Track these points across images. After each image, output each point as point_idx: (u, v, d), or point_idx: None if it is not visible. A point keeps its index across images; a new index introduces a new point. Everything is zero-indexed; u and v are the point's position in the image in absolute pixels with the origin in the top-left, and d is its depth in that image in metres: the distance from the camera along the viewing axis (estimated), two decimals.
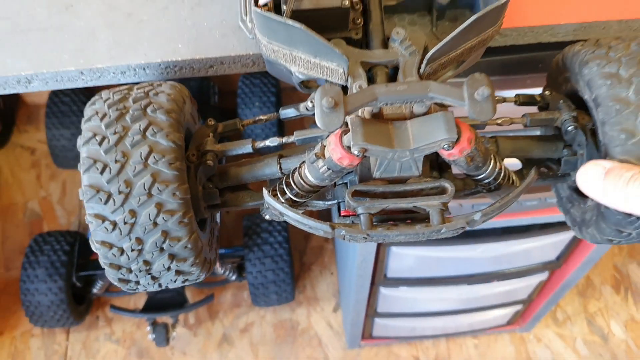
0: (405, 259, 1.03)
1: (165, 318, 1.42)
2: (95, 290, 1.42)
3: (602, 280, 1.57)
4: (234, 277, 1.45)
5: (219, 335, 1.50)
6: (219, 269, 1.37)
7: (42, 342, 1.50)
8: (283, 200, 0.47)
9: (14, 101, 1.80)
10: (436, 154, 0.48)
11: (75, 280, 1.34)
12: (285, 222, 1.41)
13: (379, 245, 0.97)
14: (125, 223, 0.44)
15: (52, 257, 1.35)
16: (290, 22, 0.43)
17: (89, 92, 1.64)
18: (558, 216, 0.94)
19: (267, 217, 0.51)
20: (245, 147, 0.50)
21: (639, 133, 0.42)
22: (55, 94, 1.61)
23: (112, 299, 1.50)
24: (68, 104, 1.58)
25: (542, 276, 1.18)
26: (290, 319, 1.52)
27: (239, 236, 1.51)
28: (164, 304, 1.40)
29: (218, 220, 0.59)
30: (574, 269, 1.14)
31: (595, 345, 1.49)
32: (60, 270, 1.34)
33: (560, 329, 1.51)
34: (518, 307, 1.34)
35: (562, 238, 1.03)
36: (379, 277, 1.10)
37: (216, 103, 1.58)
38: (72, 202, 1.68)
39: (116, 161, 0.43)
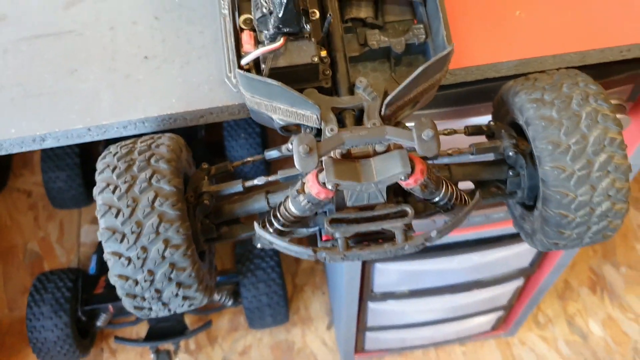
0: (389, 274, 1.11)
1: (167, 345, 1.48)
2: (99, 324, 1.48)
3: (579, 282, 1.66)
4: (230, 303, 1.51)
5: (219, 359, 1.56)
6: (215, 295, 1.44)
7: None
8: (272, 231, 0.55)
9: None
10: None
11: (81, 314, 1.41)
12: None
13: (364, 263, 1.05)
14: (138, 258, 0.51)
15: (57, 294, 1.41)
16: (269, 80, 0.52)
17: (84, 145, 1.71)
18: None
19: (258, 245, 0.59)
20: (236, 187, 0.58)
21: (563, 143, 0.51)
22: None
23: (115, 330, 1.57)
24: (62, 147, 1.65)
25: (519, 282, 1.26)
26: (286, 340, 1.59)
27: (232, 263, 1.58)
28: (165, 332, 1.47)
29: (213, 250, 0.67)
30: (547, 274, 1.23)
31: (576, 345, 1.57)
32: (65, 306, 1.40)
33: (543, 331, 1.59)
34: (500, 313, 1.42)
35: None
36: (366, 292, 1.17)
37: (203, 136, 1.66)
38: (71, 240, 1.74)
39: (127, 206, 0.51)
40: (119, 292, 0.54)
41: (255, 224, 0.53)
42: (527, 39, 0.65)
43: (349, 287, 1.10)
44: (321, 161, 0.50)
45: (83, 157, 1.69)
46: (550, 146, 0.52)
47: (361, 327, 1.33)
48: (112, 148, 0.56)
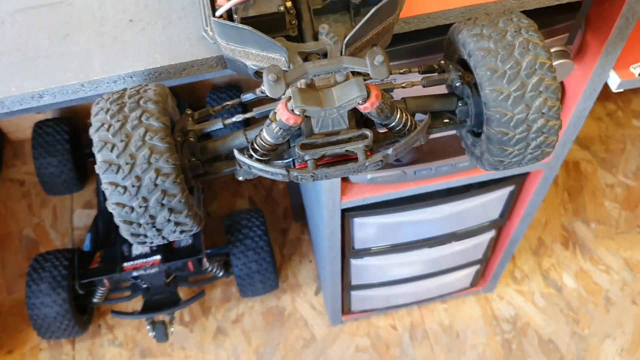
0: (368, 228, 1.19)
1: (162, 317, 1.55)
2: (95, 299, 1.55)
3: (553, 239, 1.75)
4: (221, 274, 1.59)
5: (213, 328, 1.64)
6: (206, 264, 1.51)
7: (50, 355, 1.62)
8: None
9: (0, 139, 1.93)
10: (360, 115, 0.64)
11: (78, 288, 1.47)
12: (262, 218, 1.56)
13: (343, 218, 1.13)
14: (133, 186, 0.58)
15: (54, 272, 1.48)
16: (240, 25, 0.59)
17: (70, 124, 1.78)
18: (490, 175, 1.11)
19: (240, 178, 0.66)
20: (217, 125, 0.65)
21: (499, 69, 0.59)
22: (39, 126, 1.74)
23: (111, 306, 1.63)
24: (52, 134, 1.72)
25: (491, 234, 1.35)
26: (277, 306, 1.66)
27: (222, 237, 1.65)
28: (160, 304, 1.54)
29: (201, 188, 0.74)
30: (516, 225, 1.31)
31: (551, 297, 1.66)
32: (62, 283, 1.47)
33: (519, 286, 1.68)
34: (477, 267, 1.50)
35: (499, 195, 1.20)
36: (348, 249, 1.25)
37: None
38: (64, 225, 1.81)
39: (121, 141, 0.58)
40: (117, 220, 0.60)
41: (235, 151, 0.61)
42: None
43: (330, 241, 1.17)
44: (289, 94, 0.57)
45: (73, 143, 1.75)
46: (488, 72, 0.60)
47: (346, 285, 1.41)
48: (105, 95, 0.63)
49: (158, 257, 1.47)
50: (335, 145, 0.59)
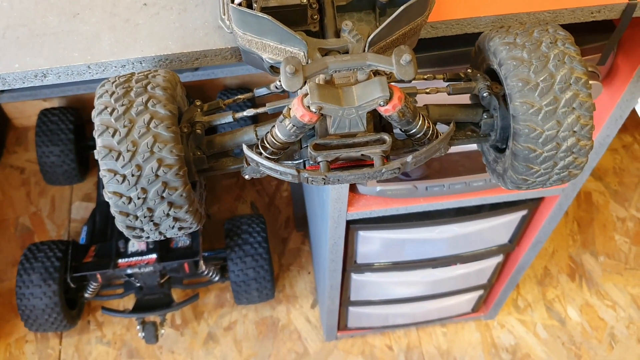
0: (372, 242, 1.15)
1: (153, 318, 1.51)
2: (87, 294, 1.51)
3: (559, 269, 1.70)
4: (217, 278, 1.55)
5: (204, 333, 1.59)
6: (203, 267, 1.47)
7: (36, 348, 1.58)
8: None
9: (3, 124, 1.90)
10: (380, 119, 0.61)
11: (70, 281, 1.43)
12: (263, 224, 1.52)
13: (347, 230, 1.09)
14: (132, 175, 0.55)
15: (46, 263, 1.44)
16: (260, 14, 0.55)
17: (76, 114, 1.75)
18: (504, 196, 1.07)
19: (246, 176, 0.63)
20: (227, 118, 0.61)
21: (532, 81, 0.55)
22: (44, 114, 1.71)
23: (102, 302, 1.59)
24: (57, 123, 1.68)
25: (498, 259, 1.30)
26: (271, 316, 1.62)
27: (221, 241, 1.62)
28: (152, 304, 1.50)
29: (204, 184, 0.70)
30: (525, 251, 1.27)
31: (554, 329, 1.61)
32: (54, 275, 1.43)
33: (522, 315, 1.63)
34: (480, 292, 1.45)
35: (510, 219, 1.16)
36: (349, 263, 1.21)
37: None
38: (62, 216, 1.77)
39: (124, 126, 0.55)
40: (113, 210, 0.57)
41: (245, 147, 0.57)
42: None
43: (332, 253, 1.13)
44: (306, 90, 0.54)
45: (77, 134, 1.72)
46: (520, 83, 0.56)
47: (344, 300, 1.37)
48: (111, 78, 0.60)
49: (154, 255, 1.43)
50: (351, 148, 0.56)
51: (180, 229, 0.61)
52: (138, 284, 1.49)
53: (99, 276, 1.45)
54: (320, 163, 0.55)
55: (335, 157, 0.55)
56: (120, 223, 0.58)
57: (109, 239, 1.51)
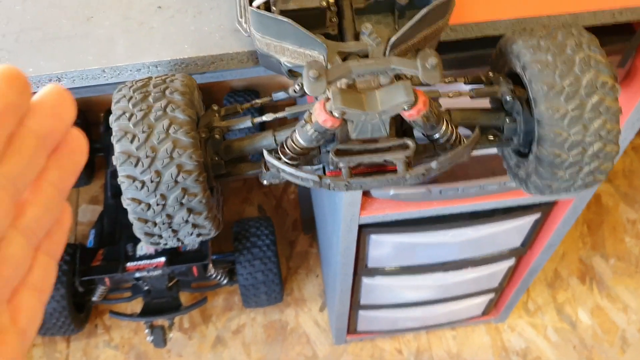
0: (384, 246, 1.14)
1: (161, 321, 1.50)
2: (94, 298, 1.50)
3: (569, 272, 1.69)
4: (225, 282, 1.54)
5: (212, 337, 1.58)
6: (211, 271, 1.46)
7: (44, 352, 1.57)
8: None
9: None
10: (401, 124, 0.59)
11: (78, 285, 1.42)
12: (271, 227, 1.51)
13: (359, 233, 1.08)
14: (152, 182, 0.54)
15: None
16: (279, 17, 0.54)
17: (83, 116, 1.74)
18: (518, 200, 1.06)
19: (265, 182, 0.62)
20: (246, 123, 0.60)
21: (557, 85, 0.54)
22: None
23: (110, 306, 1.58)
24: None
25: (510, 262, 1.29)
26: (280, 320, 1.61)
27: (228, 244, 1.60)
28: (160, 308, 1.49)
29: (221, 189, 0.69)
30: (537, 255, 1.26)
31: (565, 332, 1.60)
32: (62, 278, 1.42)
33: (532, 318, 1.62)
34: (491, 296, 1.44)
35: (523, 223, 1.15)
36: (360, 267, 1.20)
37: None
38: None
39: (143, 132, 0.54)
40: (131, 217, 0.56)
41: (265, 152, 0.56)
42: None
43: (344, 257, 1.12)
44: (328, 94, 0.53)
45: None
46: (545, 87, 0.55)
47: (354, 304, 1.36)
48: (128, 82, 0.59)
49: (162, 259, 1.42)
50: (374, 153, 0.55)
51: (198, 235, 0.60)
52: (146, 288, 1.48)
53: (107, 280, 1.44)
54: (342, 169, 0.54)
55: (357, 163, 0.54)
56: (138, 230, 0.57)
57: (117, 242, 1.50)
